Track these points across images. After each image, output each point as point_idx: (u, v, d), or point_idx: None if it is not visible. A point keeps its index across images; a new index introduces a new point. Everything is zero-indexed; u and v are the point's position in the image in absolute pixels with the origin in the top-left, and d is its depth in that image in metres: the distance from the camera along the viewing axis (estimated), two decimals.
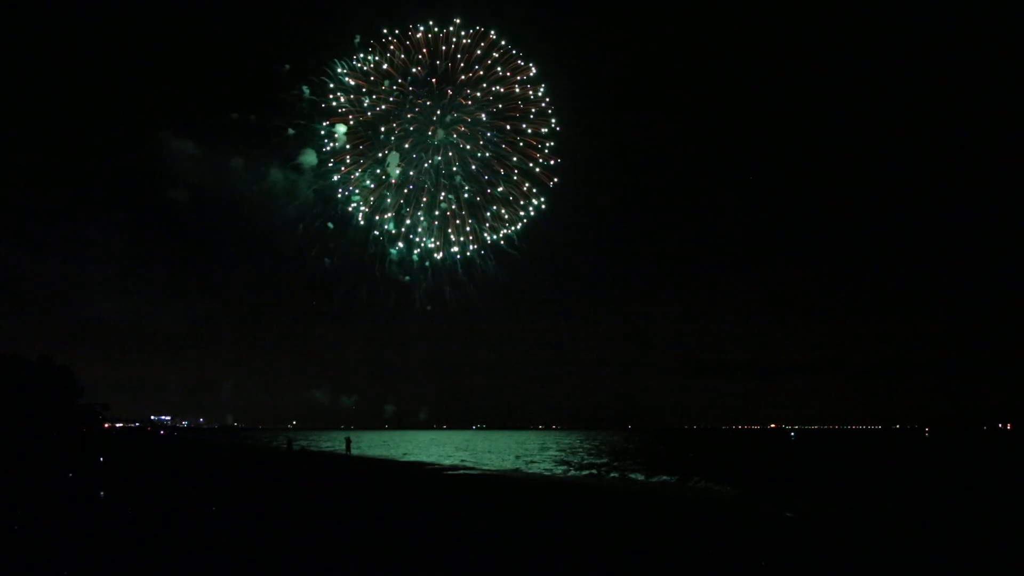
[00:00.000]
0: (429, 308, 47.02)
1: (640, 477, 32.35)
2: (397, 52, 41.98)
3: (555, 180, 44.95)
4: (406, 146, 41.93)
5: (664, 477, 31.33)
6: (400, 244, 44.06)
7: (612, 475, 35.05)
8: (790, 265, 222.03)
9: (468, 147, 42.64)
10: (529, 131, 44.40)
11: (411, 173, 42.19)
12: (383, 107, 41.99)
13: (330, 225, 45.30)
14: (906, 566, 12.03)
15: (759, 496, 24.12)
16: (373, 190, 43.93)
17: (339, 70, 42.69)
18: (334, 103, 43.31)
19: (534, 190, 45.11)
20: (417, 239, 44.48)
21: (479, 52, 43.31)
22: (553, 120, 44.12)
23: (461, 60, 42.79)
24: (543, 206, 45.36)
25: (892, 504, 22.03)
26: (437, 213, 43.71)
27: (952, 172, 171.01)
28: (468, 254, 45.34)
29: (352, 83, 42.75)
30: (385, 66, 42.39)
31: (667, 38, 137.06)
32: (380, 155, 42.69)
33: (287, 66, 44.62)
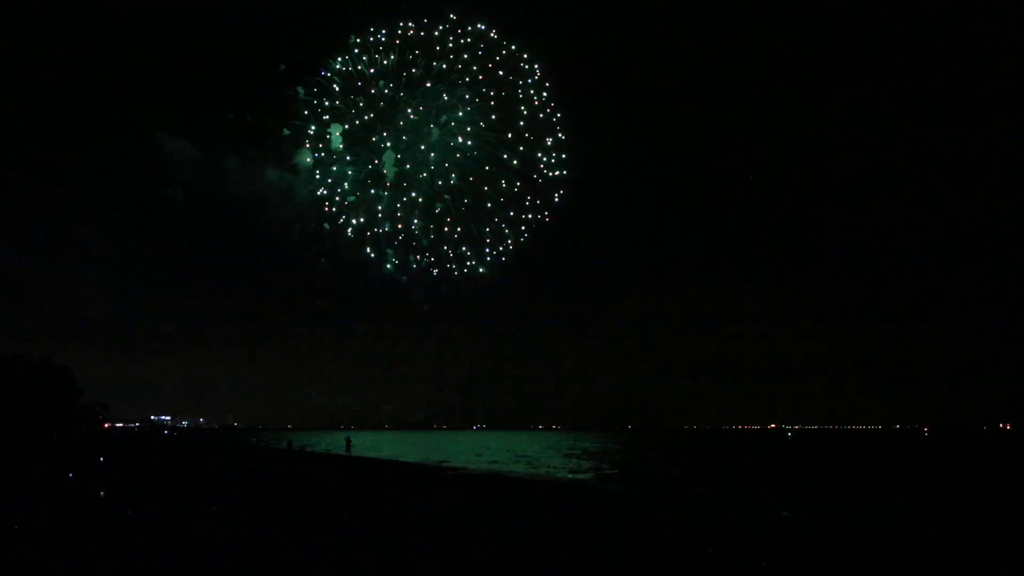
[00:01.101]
0: (426, 308, 46.66)
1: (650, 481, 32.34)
2: (388, 52, 41.69)
3: (560, 192, 43.97)
4: (398, 156, 41.64)
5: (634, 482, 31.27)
6: (396, 260, 43.73)
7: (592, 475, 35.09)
8: (790, 266, 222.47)
9: (465, 154, 42.42)
10: (532, 138, 43.69)
11: (404, 184, 41.94)
12: (371, 115, 41.74)
13: (326, 226, 44.91)
14: (905, 565, 12.05)
15: (756, 496, 24.14)
16: (367, 193, 43.68)
17: (330, 73, 42.46)
18: (319, 109, 43.06)
19: (537, 202, 44.23)
20: (414, 253, 44.09)
21: (479, 52, 43.03)
22: (558, 128, 43.35)
23: (458, 61, 42.46)
24: (547, 219, 44.45)
25: (889, 503, 22.06)
26: (433, 226, 43.34)
27: (952, 172, 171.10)
28: (466, 271, 44.71)
29: (344, 85, 42.55)
30: (377, 67, 42.12)
31: (668, 38, 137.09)
32: (371, 165, 42.47)
33: (283, 66, 44.41)
